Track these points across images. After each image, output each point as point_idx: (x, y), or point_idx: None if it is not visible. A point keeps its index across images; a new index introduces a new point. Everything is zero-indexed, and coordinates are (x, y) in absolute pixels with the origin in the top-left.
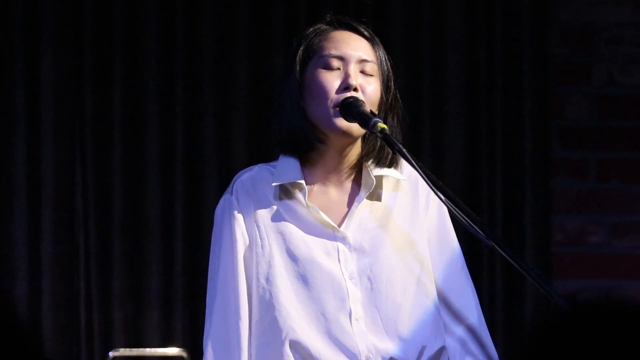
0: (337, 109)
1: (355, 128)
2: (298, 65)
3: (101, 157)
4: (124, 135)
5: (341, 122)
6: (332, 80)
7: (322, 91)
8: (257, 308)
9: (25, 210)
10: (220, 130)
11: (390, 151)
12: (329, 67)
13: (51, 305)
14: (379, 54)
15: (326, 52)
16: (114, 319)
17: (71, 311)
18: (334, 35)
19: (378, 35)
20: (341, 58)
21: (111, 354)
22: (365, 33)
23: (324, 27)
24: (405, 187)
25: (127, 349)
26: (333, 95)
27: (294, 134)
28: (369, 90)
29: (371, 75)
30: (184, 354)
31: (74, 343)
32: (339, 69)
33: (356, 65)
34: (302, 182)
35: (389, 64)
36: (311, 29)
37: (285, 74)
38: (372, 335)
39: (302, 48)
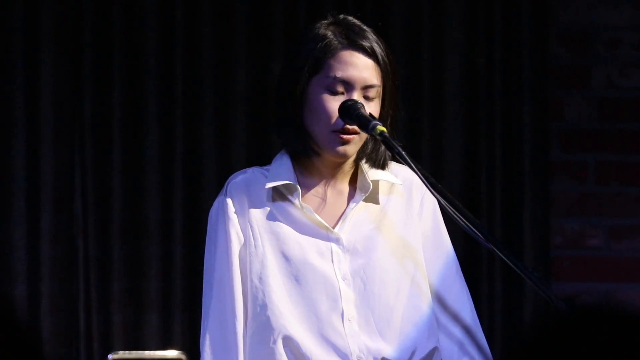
0: (337, 134)
1: (352, 150)
2: (302, 76)
3: (100, 159)
4: (123, 138)
5: (339, 148)
6: (334, 106)
7: (324, 114)
8: (250, 307)
9: (24, 212)
10: (219, 133)
11: (384, 152)
12: (332, 91)
13: (50, 307)
14: (386, 72)
15: (332, 74)
16: (113, 322)
17: (70, 314)
18: (342, 55)
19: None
20: (346, 82)
21: (110, 356)
22: (375, 48)
23: (334, 42)
24: (399, 189)
25: (126, 352)
26: (333, 122)
27: (291, 143)
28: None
29: (374, 98)
30: (183, 357)
31: (73, 346)
32: (342, 93)
33: (360, 91)
34: (296, 184)
35: (394, 73)
36: (319, 38)
37: (285, 77)
38: (364, 335)
39: (307, 57)
